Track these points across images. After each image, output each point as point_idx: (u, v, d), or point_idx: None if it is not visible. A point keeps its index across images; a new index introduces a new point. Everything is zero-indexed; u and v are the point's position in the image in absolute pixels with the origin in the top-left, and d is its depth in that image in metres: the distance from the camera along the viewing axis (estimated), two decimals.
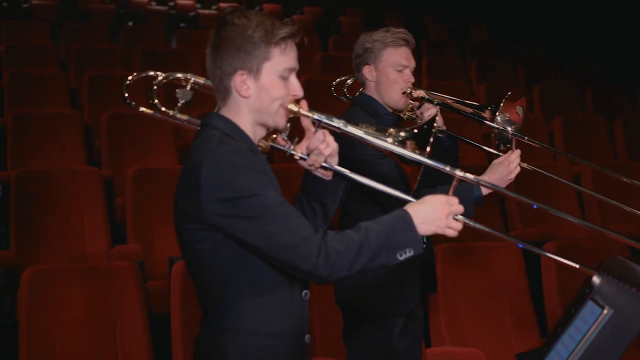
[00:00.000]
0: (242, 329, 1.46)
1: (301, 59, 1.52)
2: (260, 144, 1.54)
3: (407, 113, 2.28)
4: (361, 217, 2.08)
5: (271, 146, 1.56)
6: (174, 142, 4.28)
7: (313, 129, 1.51)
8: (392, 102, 2.22)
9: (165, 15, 7.96)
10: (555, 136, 5.24)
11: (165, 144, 4.22)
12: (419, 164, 1.50)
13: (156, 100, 1.63)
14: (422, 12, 8.69)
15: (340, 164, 1.54)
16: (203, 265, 1.47)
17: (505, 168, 2.08)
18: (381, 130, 1.53)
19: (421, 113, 2.20)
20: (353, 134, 1.51)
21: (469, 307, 3.10)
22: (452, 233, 1.44)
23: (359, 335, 2.20)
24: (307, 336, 1.55)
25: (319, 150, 1.50)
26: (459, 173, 1.47)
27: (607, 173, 2.40)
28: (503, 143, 2.18)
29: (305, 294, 1.54)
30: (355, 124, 1.53)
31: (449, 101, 2.22)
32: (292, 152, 1.52)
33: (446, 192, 1.47)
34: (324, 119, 1.51)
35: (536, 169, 2.28)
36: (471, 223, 1.46)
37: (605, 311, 1.24)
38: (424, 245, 1.45)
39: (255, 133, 1.51)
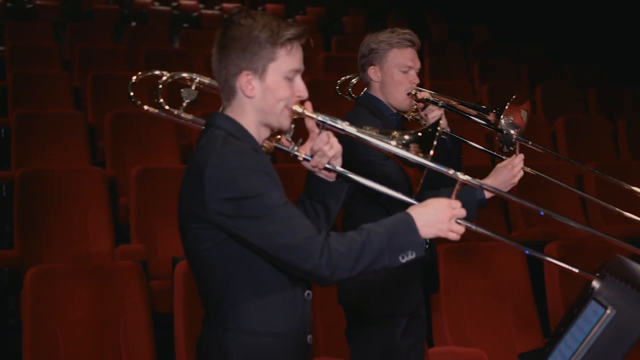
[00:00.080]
0: (244, 329, 1.46)
1: (304, 59, 1.52)
2: (264, 144, 1.55)
3: (411, 114, 2.28)
4: (364, 219, 2.08)
5: (275, 147, 1.56)
6: (177, 142, 4.29)
7: (317, 130, 1.51)
8: (397, 103, 2.22)
9: (168, 15, 7.97)
10: (557, 136, 5.23)
11: (169, 143, 4.23)
12: (422, 167, 1.50)
13: (161, 100, 1.64)
14: (424, 12, 8.69)
15: (344, 165, 1.54)
16: (206, 265, 1.47)
17: (509, 172, 2.08)
18: (385, 133, 1.53)
19: (425, 114, 2.20)
20: (357, 136, 1.52)
21: (471, 307, 3.10)
22: (454, 237, 1.45)
23: (361, 336, 2.20)
24: (309, 336, 1.56)
25: (323, 151, 1.50)
26: (462, 177, 1.48)
27: (611, 180, 2.41)
28: (506, 145, 2.18)
29: (308, 294, 1.55)
30: (359, 126, 1.53)
31: (454, 103, 2.22)
32: (296, 153, 1.53)
33: (449, 195, 1.47)
34: (328, 120, 1.51)
35: (539, 173, 2.29)
36: (473, 227, 1.46)
37: (608, 311, 1.24)
38: (427, 246, 1.46)
39: (259, 133, 1.52)
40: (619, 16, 7.10)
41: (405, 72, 2.19)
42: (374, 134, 1.52)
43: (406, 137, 1.52)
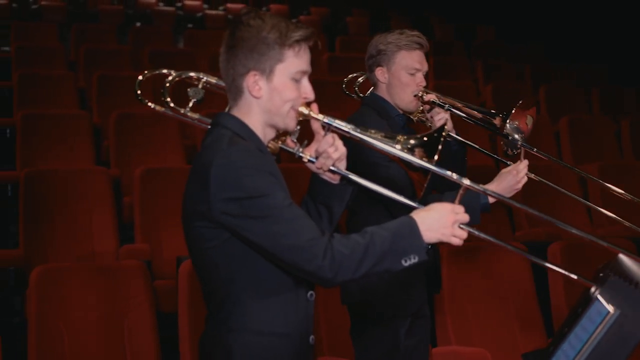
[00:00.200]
0: (247, 328, 1.47)
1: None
2: (270, 145, 1.55)
3: (417, 115, 2.29)
4: (368, 219, 2.10)
5: (280, 148, 1.56)
6: (181, 142, 4.30)
7: (322, 132, 1.52)
8: (403, 104, 2.23)
9: (172, 15, 7.99)
10: (561, 136, 5.22)
11: (173, 144, 4.24)
12: (426, 171, 1.51)
13: (168, 98, 1.65)
14: (428, 13, 8.68)
15: (349, 166, 1.55)
16: (209, 264, 1.48)
17: (513, 178, 2.09)
18: (390, 137, 1.53)
19: (431, 117, 2.20)
20: (362, 138, 1.52)
21: (475, 307, 3.10)
22: (457, 242, 1.45)
23: (365, 336, 2.21)
24: (311, 337, 1.56)
25: (328, 153, 1.50)
26: (466, 182, 1.48)
27: (615, 190, 2.43)
28: (510, 148, 2.19)
29: (311, 295, 1.55)
30: (364, 129, 1.54)
31: (459, 105, 2.23)
32: (301, 154, 1.53)
33: (453, 199, 1.48)
34: (333, 122, 1.52)
35: (543, 180, 2.31)
36: (476, 232, 1.47)
37: (612, 311, 1.24)
38: (429, 248, 1.46)
39: (265, 134, 1.52)
40: (623, 16, 7.08)
41: (412, 75, 2.20)
42: (379, 137, 1.53)
43: (411, 141, 1.52)
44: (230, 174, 1.41)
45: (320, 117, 1.52)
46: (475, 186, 1.50)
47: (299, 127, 1.54)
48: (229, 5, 8.49)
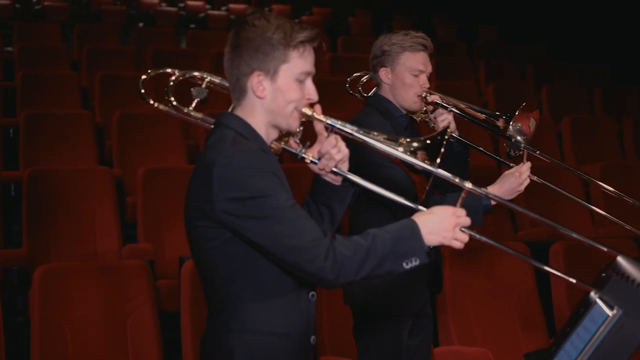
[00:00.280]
0: (248, 328, 1.47)
1: None
2: (273, 145, 1.55)
3: (420, 115, 2.29)
4: (370, 219, 2.10)
5: (283, 148, 1.57)
6: (184, 142, 4.31)
7: (325, 133, 1.52)
8: (407, 104, 2.23)
9: (175, 16, 8.00)
10: (563, 137, 5.22)
11: (176, 144, 4.25)
12: (428, 174, 1.51)
13: (172, 97, 1.65)
14: (430, 13, 8.68)
15: (351, 166, 1.55)
16: (210, 263, 1.48)
17: (516, 180, 2.10)
18: (393, 139, 1.54)
19: (434, 117, 2.21)
20: (365, 140, 1.53)
21: (477, 307, 3.10)
22: (458, 245, 1.46)
23: (368, 335, 2.21)
24: (312, 337, 1.56)
25: (330, 155, 1.51)
26: (468, 185, 1.48)
27: (617, 193, 2.44)
28: (513, 149, 2.19)
29: (312, 295, 1.55)
30: (367, 130, 1.54)
31: (463, 106, 2.23)
32: (304, 155, 1.53)
33: (455, 201, 1.48)
34: (337, 124, 1.52)
35: (546, 182, 2.31)
36: (477, 236, 1.48)
37: (614, 311, 1.24)
38: (431, 249, 1.46)
39: (268, 134, 1.52)
40: (625, 16, 7.08)
41: (416, 76, 2.20)
42: (382, 139, 1.53)
43: (414, 144, 1.52)
44: (233, 174, 1.41)
45: (324, 118, 1.52)
46: (477, 189, 1.50)
47: (301, 128, 1.55)
48: (232, 5, 8.49)
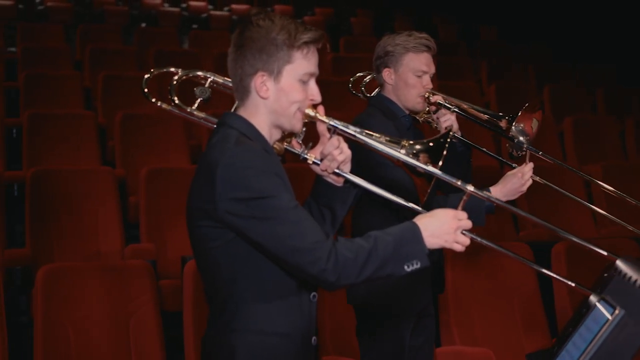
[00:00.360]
0: (249, 328, 1.47)
1: None
2: (275, 146, 1.56)
3: (423, 116, 2.30)
4: (372, 220, 2.10)
5: (285, 149, 1.57)
6: (186, 143, 4.31)
7: (328, 134, 1.52)
8: (410, 105, 2.24)
9: (177, 16, 8.01)
10: (565, 137, 5.22)
11: (178, 144, 4.26)
12: (429, 177, 1.51)
13: (175, 96, 1.65)
14: (432, 13, 8.68)
15: (354, 166, 1.56)
16: (212, 263, 1.48)
17: (519, 180, 2.11)
18: (395, 141, 1.54)
19: (437, 118, 2.21)
20: (367, 142, 1.53)
21: (479, 307, 3.10)
22: (459, 248, 1.46)
23: (371, 334, 2.22)
24: (314, 338, 1.56)
25: (333, 156, 1.51)
26: (470, 188, 1.49)
27: (620, 195, 2.44)
28: (516, 150, 2.20)
29: (314, 296, 1.55)
30: (369, 133, 1.54)
31: (465, 107, 2.23)
32: (306, 156, 1.54)
33: (458, 202, 1.49)
34: (339, 125, 1.53)
35: (548, 183, 2.31)
36: (478, 239, 1.48)
37: (616, 312, 1.25)
38: (430, 253, 1.47)
39: (271, 134, 1.53)
40: (628, 16, 7.07)
41: (419, 77, 2.20)
42: (384, 141, 1.54)
43: (416, 146, 1.53)
44: (236, 174, 1.41)
45: (326, 119, 1.52)
46: (479, 192, 1.50)
47: (304, 129, 1.55)
48: (234, 6, 8.50)
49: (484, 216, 2.12)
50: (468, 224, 1.47)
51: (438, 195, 2.10)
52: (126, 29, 6.91)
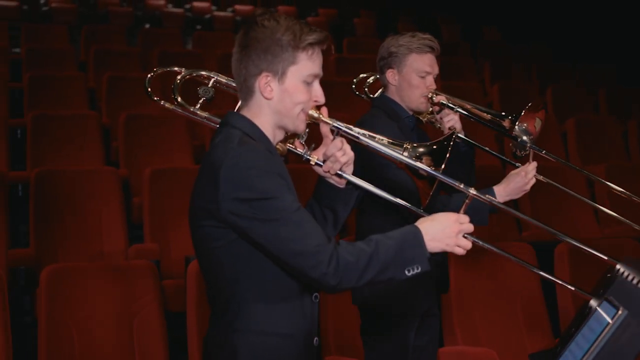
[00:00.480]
0: (251, 329, 1.47)
1: None
2: (278, 146, 1.56)
3: (426, 116, 2.30)
4: (375, 220, 2.10)
5: (288, 150, 1.57)
6: (190, 143, 4.32)
7: (331, 136, 1.53)
8: (414, 105, 2.24)
9: (181, 17, 8.03)
10: (568, 137, 5.21)
11: (182, 144, 4.26)
12: (432, 180, 1.52)
13: (178, 96, 1.66)
14: (435, 13, 8.68)
15: (358, 167, 1.56)
16: (215, 263, 1.48)
17: (522, 179, 2.11)
18: (398, 144, 1.54)
19: (441, 118, 2.22)
20: (370, 144, 1.53)
21: (482, 307, 3.10)
22: (460, 251, 1.47)
23: (376, 334, 2.22)
24: (316, 338, 1.56)
25: (336, 157, 1.51)
26: (472, 191, 1.49)
27: (624, 193, 2.44)
28: (519, 150, 2.20)
29: (316, 297, 1.55)
30: (372, 135, 1.55)
31: (469, 107, 2.24)
32: (309, 157, 1.54)
33: (461, 202, 1.49)
34: (343, 127, 1.53)
35: (551, 182, 2.32)
36: (480, 242, 1.49)
37: (619, 312, 1.25)
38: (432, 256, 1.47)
39: (274, 135, 1.53)
40: (630, 16, 7.06)
41: (423, 77, 2.21)
42: (387, 143, 1.54)
43: (419, 149, 1.53)
44: (240, 175, 1.41)
45: (330, 120, 1.52)
46: (481, 196, 1.51)
47: (307, 130, 1.55)
48: (238, 7, 8.52)
49: (487, 216, 2.12)
50: (470, 227, 1.47)
51: (441, 195, 2.10)
52: (130, 29, 6.93)
